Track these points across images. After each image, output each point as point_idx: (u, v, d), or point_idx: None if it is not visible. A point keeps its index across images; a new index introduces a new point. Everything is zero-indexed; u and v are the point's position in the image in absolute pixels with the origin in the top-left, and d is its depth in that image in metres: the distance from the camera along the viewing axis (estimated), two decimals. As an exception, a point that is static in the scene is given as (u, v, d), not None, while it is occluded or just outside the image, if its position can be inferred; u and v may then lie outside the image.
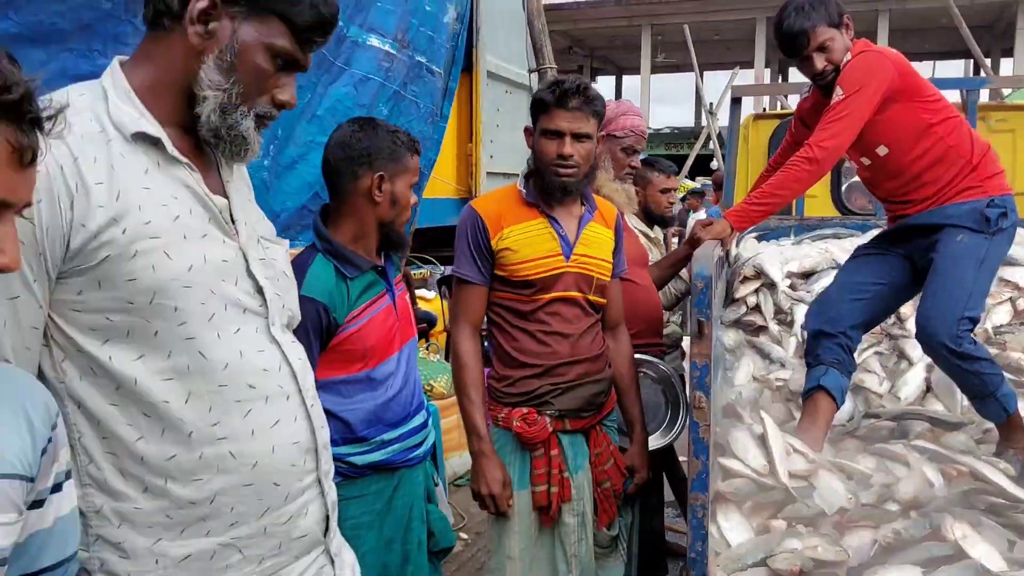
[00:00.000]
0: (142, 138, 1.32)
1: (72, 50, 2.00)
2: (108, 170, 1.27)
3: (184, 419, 1.32)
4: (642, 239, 3.84)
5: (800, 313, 3.52)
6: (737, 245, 3.90)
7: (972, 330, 2.51)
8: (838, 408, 2.70)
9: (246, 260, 1.42)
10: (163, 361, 1.30)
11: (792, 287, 3.67)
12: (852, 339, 2.75)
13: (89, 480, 1.31)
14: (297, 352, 1.50)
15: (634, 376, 2.73)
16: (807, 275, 3.70)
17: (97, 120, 1.30)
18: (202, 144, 1.41)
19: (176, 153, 1.35)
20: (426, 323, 5.64)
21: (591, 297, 2.54)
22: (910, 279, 2.78)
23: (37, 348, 1.27)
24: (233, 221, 1.43)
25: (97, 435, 1.31)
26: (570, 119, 2.42)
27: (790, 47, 2.67)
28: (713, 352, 3.07)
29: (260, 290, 1.43)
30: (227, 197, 1.45)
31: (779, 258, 3.73)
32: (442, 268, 6.43)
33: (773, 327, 3.55)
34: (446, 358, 5.41)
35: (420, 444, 2.34)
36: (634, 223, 3.98)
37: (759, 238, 4.00)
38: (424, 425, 2.37)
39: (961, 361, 2.48)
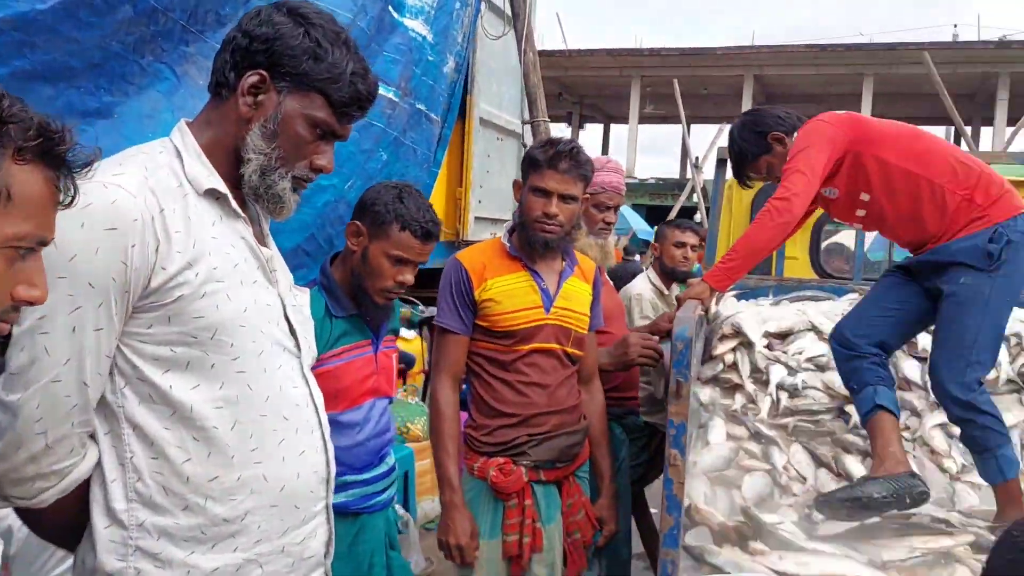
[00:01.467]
0: (211, 193, 1.51)
1: (79, 87, 2.05)
2: (185, 220, 1.45)
3: (229, 444, 1.48)
4: (649, 295, 3.93)
5: (775, 373, 3.60)
6: (717, 303, 3.98)
7: (982, 377, 2.54)
8: (898, 419, 2.78)
9: (283, 305, 1.61)
10: (216, 391, 1.47)
11: (769, 347, 3.74)
12: (885, 355, 2.82)
13: (135, 495, 1.45)
14: (319, 391, 1.66)
15: (606, 428, 2.79)
16: (783, 336, 3.77)
17: (175, 176, 1.48)
18: (246, 199, 1.60)
19: (237, 208, 1.55)
20: (404, 364, 5.66)
21: (568, 349, 2.62)
22: (931, 306, 2.77)
23: (107, 374, 1.42)
24: (272, 270, 1.61)
25: (148, 455, 1.46)
26: (559, 180, 2.51)
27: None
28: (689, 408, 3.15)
29: (293, 332, 1.62)
30: (269, 248, 1.64)
31: (757, 318, 3.80)
32: (423, 308, 6.47)
33: (749, 385, 3.61)
34: (423, 399, 5.43)
35: (382, 491, 2.38)
36: (652, 279, 4.08)
37: (738, 297, 4.09)
38: (388, 474, 2.42)
39: (964, 412, 2.52)
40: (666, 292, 4.08)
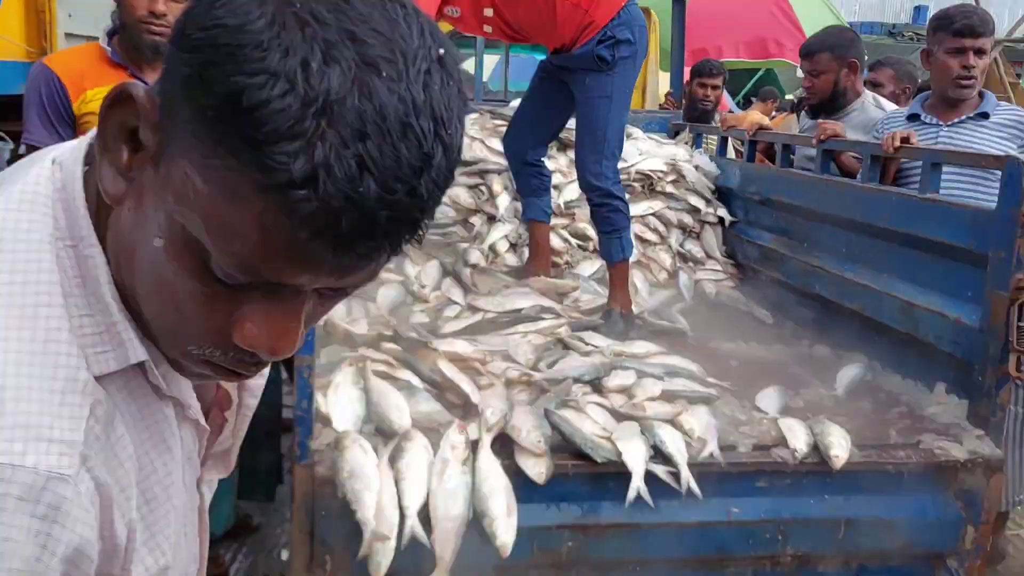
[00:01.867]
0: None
1: None
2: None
3: None
4: None
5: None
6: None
7: (616, 166, 2.97)
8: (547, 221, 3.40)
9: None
10: None
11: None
12: (539, 161, 3.30)
13: None
14: None
15: None
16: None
17: None
18: None
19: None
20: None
21: None
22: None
23: None
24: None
25: None
26: None
27: None
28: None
29: None
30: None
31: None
32: (11, 144, 5.53)
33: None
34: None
35: None
36: None
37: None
38: None
39: (602, 198, 2.96)
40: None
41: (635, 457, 2.07)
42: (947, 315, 2.46)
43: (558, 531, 2.10)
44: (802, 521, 2.19)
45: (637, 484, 2.04)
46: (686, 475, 2.08)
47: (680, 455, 2.11)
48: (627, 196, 3.88)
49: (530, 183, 3.35)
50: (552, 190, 3.83)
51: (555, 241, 3.63)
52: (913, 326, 2.59)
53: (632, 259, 3.78)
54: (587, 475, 2.09)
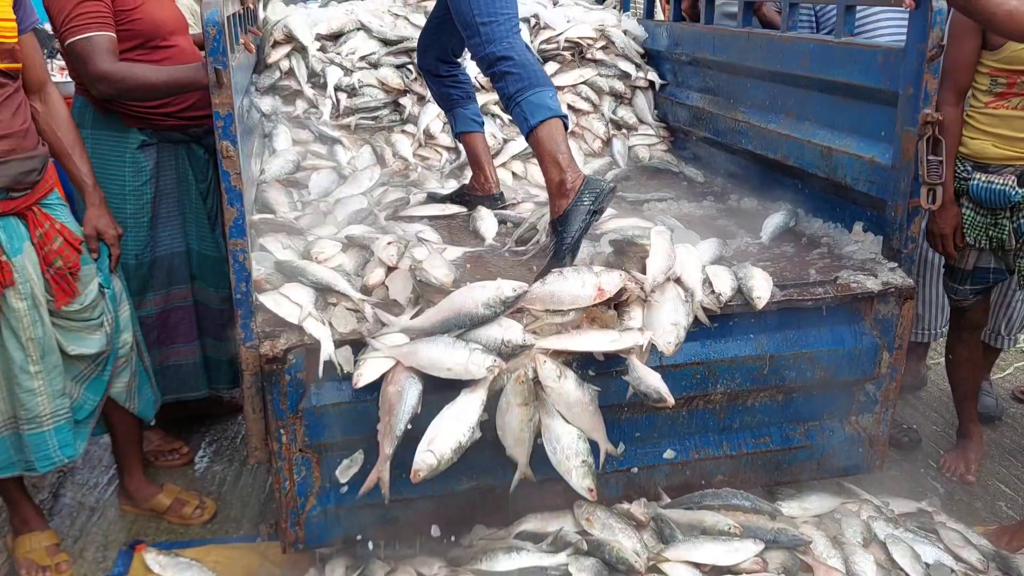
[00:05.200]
0: None
1: None
2: None
3: None
4: (190, 1, 3.56)
5: (331, 75, 3.63)
6: (264, 8, 3.80)
7: (492, 30, 2.47)
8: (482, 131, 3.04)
9: None
10: None
11: (322, 49, 3.73)
12: (451, 72, 2.97)
13: None
14: None
15: (76, 138, 2.44)
16: (336, 36, 3.77)
17: None
18: None
19: None
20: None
21: (1, 66, 2.21)
22: None
23: None
24: None
25: None
26: None
27: None
28: (250, 117, 3.08)
29: None
30: None
31: (307, 21, 3.73)
32: None
33: (308, 90, 3.62)
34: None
35: None
36: None
37: (287, 1, 3.93)
38: None
39: (488, 68, 2.52)
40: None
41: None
42: (862, 156, 2.55)
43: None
44: (729, 360, 2.32)
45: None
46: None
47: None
48: (556, 63, 3.88)
49: (449, 95, 3.00)
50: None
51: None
52: (832, 170, 2.68)
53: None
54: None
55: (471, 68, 3.69)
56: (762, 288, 2.27)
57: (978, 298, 2.86)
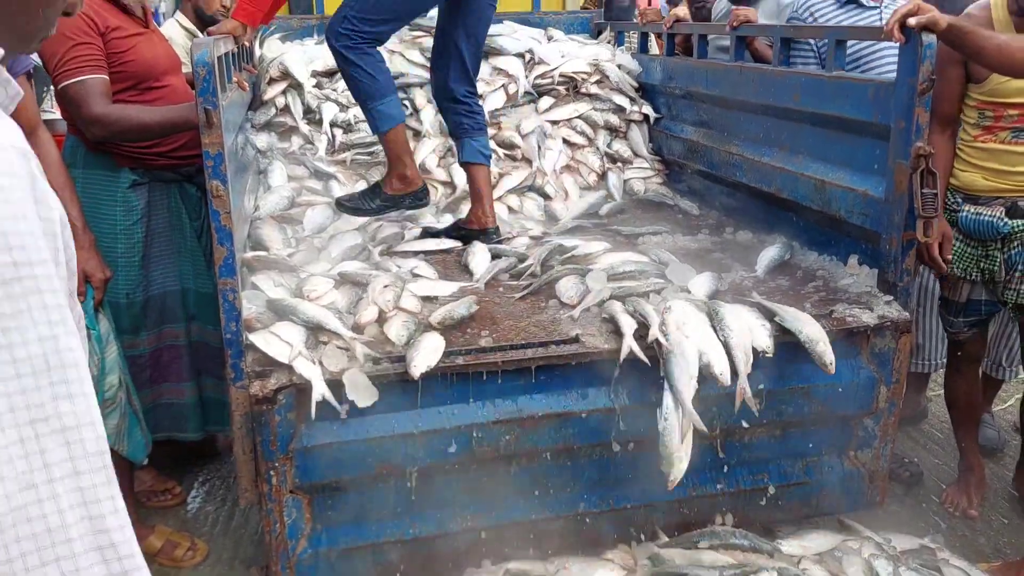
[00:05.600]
0: None
1: None
2: None
3: None
4: (184, 39, 3.58)
5: (327, 111, 3.65)
6: (261, 46, 3.83)
7: (358, 31, 2.67)
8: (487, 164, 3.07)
9: None
10: None
11: (318, 86, 3.75)
12: (467, 98, 3.00)
13: None
14: None
15: (67, 180, 2.45)
16: (331, 73, 3.79)
17: None
18: None
19: None
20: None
21: None
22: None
23: None
24: None
25: None
26: None
27: None
28: (244, 154, 3.09)
29: None
30: None
31: (303, 58, 3.75)
32: None
33: (303, 126, 3.64)
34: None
35: None
36: (183, 24, 3.69)
37: (283, 39, 3.96)
38: None
39: (339, 60, 2.75)
40: (198, 35, 3.80)
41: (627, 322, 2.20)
42: (856, 189, 2.54)
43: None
44: (724, 396, 2.29)
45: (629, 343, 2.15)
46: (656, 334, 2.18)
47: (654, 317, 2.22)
48: (551, 97, 3.90)
49: (461, 123, 3.03)
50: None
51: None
52: (826, 203, 2.68)
53: (561, 164, 3.82)
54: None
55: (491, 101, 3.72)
56: (825, 346, 2.23)
57: (974, 331, 2.84)
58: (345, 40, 2.69)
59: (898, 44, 2.32)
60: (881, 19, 3.01)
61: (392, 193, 2.90)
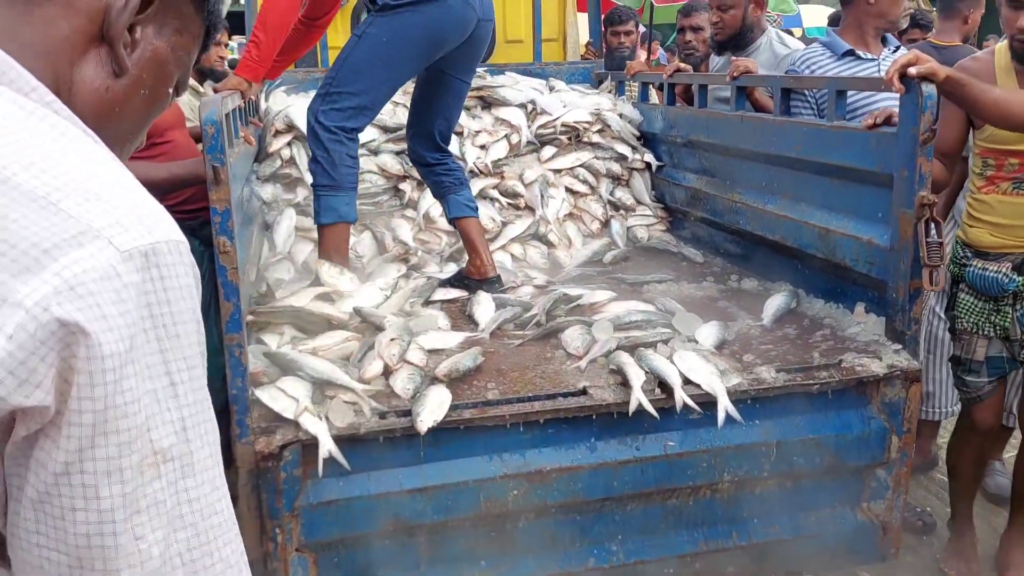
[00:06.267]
0: None
1: None
2: None
3: None
4: (185, 96, 3.63)
5: (332, 162, 3.67)
6: (266, 100, 3.87)
7: (339, 109, 2.73)
8: (475, 215, 3.11)
9: None
10: None
11: (323, 138, 3.78)
12: (441, 159, 3.05)
13: None
14: None
15: None
16: (335, 125, 3.82)
17: None
18: None
19: None
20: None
21: None
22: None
23: None
24: None
25: None
26: None
27: None
28: (250, 205, 3.10)
29: None
30: None
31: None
32: None
33: (308, 179, 3.65)
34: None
35: None
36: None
37: (288, 92, 4.01)
38: None
39: (311, 137, 2.78)
40: (200, 90, 3.85)
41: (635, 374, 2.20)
42: (860, 237, 2.55)
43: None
44: (735, 448, 2.27)
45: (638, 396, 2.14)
46: (680, 395, 2.17)
47: (675, 377, 2.21)
48: (553, 147, 3.93)
49: (441, 182, 3.08)
50: (479, 149, 3.84)
51: (484, 208, 3.57)
52: (831, 251, 2.68)
53: (564, 212, 3.85)
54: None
55: (472, 152, 3.76)
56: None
57: (994, 384, 2.70)
58: (325, 117, 2.73)
59: (897, 95, 2.34)
60: (879, 71, 3.04)
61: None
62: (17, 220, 0.59)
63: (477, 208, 3.14)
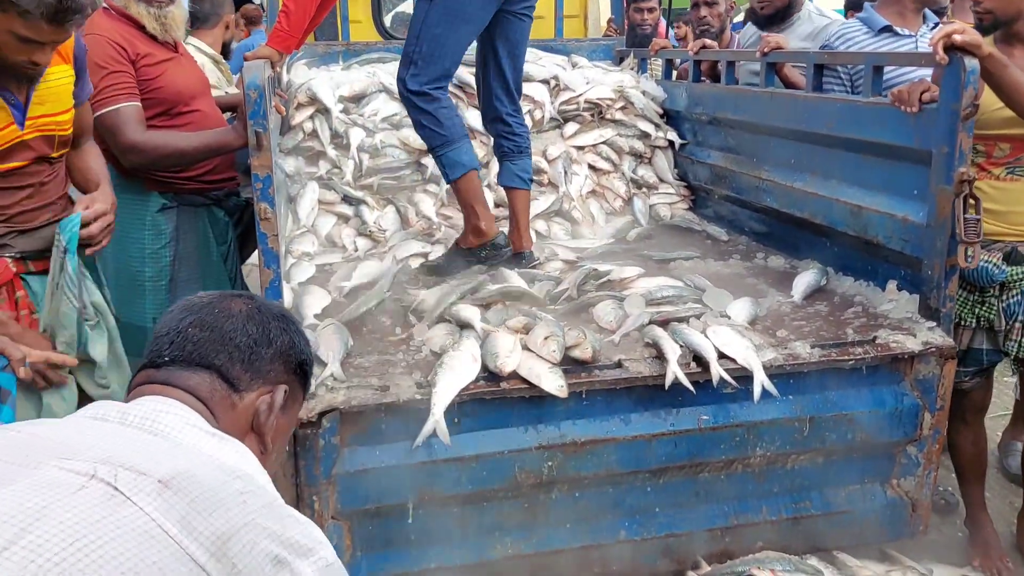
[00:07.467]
0: None
1: None
2: None
3: None
4: (209, 65, 3.61)
5: (354, 136, 3.65)
6: (288, 72, 3.85)
7: (420, 76, 2.73)
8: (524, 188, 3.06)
9: None
10: None
11: (345, 111, 3.76)
12: (510, 118, 3.03)
13: None
14: None
15: (105, 170, 2.38)
16: (358, 98, 3.80)
17: None
18: None
19: None
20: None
21: (55, 155, 2.16)
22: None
23: None
24: None
25: None
26: None
27: None
28: (276, 176, 3.09)
29: None
30: None
31: (330, 83, 3.76)
32: None
33: (331, 151, 3.64)
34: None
35: None
36: (204, 49, 3.72)
37: (309, 65, 3.98)
38: None
39: (408, 106, 2.81)
40: (220, 60, 3.83)
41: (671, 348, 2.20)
42: (895, 214, 2.53)
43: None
44: (768, 422, 2.27)
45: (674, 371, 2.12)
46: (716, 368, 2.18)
47: (711, 351, 2.21)
48: (576, 123, 3.90)
49: (501, 145, 3.08)
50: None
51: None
52: (863, 228, 2.67)
53: (587, 189, 3.83)
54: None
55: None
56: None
57: (977, 380, 2.69)
58: (416, 83, 2.73)
59: (930, 72, 2.32)
60: (916, 47, 3.02)
61: (468, 247, 2.89)
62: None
63: (531, 181, 3.13)
